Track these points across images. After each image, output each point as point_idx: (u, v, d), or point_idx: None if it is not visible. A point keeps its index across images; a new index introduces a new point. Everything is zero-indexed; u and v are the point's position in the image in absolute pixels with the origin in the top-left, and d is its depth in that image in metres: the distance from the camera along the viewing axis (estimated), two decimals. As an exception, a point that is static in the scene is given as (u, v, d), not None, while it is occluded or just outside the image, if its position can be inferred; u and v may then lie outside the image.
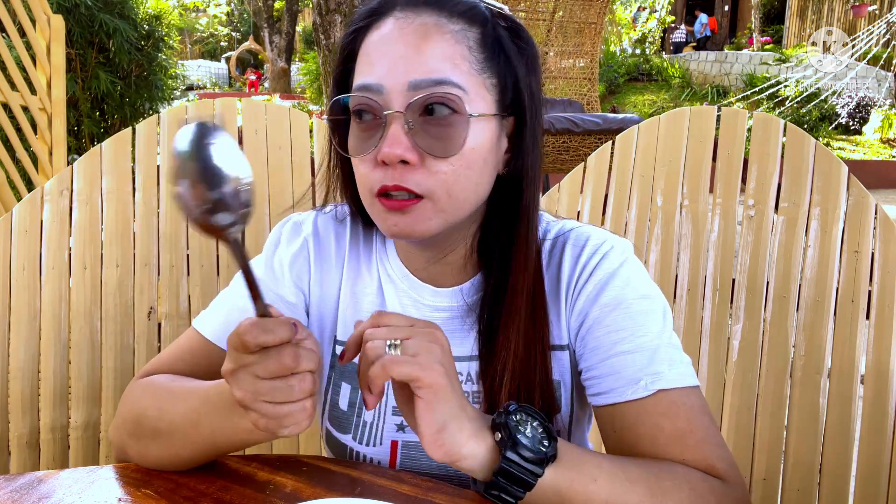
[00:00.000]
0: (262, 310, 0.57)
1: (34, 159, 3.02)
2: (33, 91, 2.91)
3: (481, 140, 0.71)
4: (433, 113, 0.68)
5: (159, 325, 1.31)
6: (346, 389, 0.85)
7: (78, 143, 5.56)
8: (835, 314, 1.19)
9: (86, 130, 5.58)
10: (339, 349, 0.86)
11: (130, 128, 1.31)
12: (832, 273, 1.20)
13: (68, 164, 1.65)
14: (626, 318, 0.77)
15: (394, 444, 0.82)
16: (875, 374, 1.16)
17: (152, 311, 1.31)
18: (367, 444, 0.83)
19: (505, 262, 0.78)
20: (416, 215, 0.70)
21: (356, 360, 0.66)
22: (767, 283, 1.24)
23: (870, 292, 1.17)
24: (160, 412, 0.74)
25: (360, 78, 0.71)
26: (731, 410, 1.24)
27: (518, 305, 0.76)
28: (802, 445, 1.20)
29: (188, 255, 1.32)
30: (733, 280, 1.26)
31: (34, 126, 2.96)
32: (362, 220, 0.88)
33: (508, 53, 0.73)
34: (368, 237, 0.89)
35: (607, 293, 0.78)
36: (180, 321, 1.32)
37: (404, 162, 0.68)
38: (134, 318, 1.30)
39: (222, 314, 0.84)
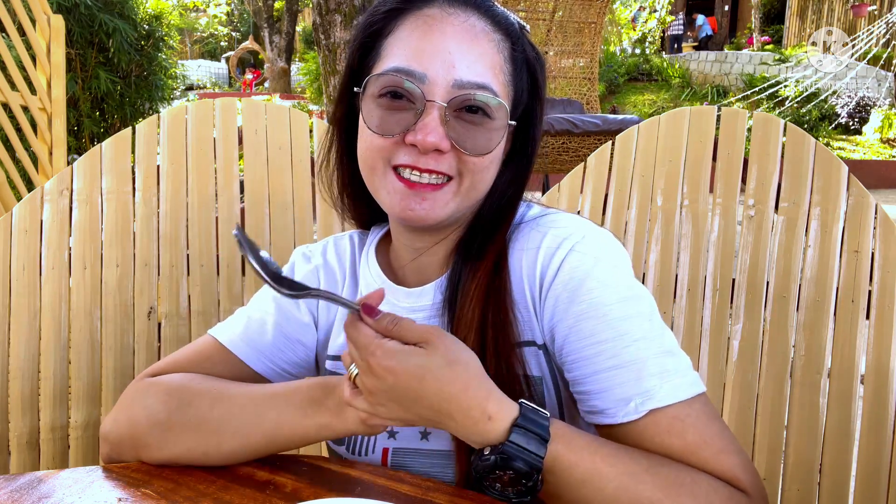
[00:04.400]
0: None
1: (34, 159, 3.02)
2: (33, 91, 2.91)
3: (501, 144, 0.76)
4: (469, 113, 0.72)
5: (159, 325, 1.31)
6: None
7: (78, 143, 5.56)
8: (835, 314, 1.19)
9: (86, 130, 5.58)
10: (330, 364, 0.88)
11: (130, 128, 1.31)
12: (832, 273, 1.20)
13: (68, 164, 1.65)
14: (606, 328, 0.70)
15: (384, 451, 0.82)
16: (875, 373, 1.16)
17: (152, 311, 1.31)
18: (361, 454, 0.83)
19: (474, 257, 0.78)
20: (434, 201, 0.73)
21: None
22: (767, 282, 1.23)
23: (870, 292, 1.17)
24: (212, 402, 0.75)
25: (398, 61, 0.72)
26: (731, 410, 1.24)
27: (473, 298, 0.75)
28: (802, 445, 1.20)
29: (188, 255, 1.32)
30: (733, 280, 1.26)
31: (34, 126, 2.96)
32: (357, 225, 0.92)
33: (532, 67, 0.78)
34: (352, 252, 0.91)
35: (581, 298, 0.72)
36: (180, 321, 1.32)
37: (437, 150, 0.71)
38: (134, 318, 1.30)
39: (241, 325, 0.87)
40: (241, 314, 0.89)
